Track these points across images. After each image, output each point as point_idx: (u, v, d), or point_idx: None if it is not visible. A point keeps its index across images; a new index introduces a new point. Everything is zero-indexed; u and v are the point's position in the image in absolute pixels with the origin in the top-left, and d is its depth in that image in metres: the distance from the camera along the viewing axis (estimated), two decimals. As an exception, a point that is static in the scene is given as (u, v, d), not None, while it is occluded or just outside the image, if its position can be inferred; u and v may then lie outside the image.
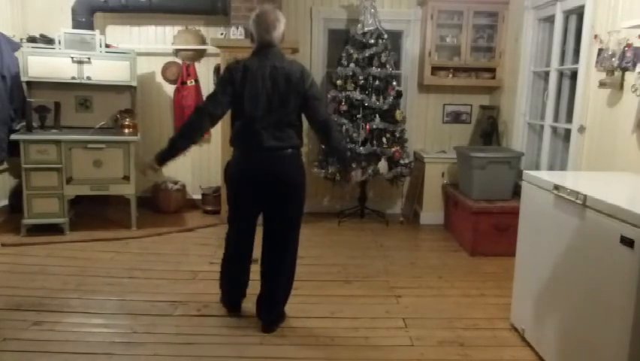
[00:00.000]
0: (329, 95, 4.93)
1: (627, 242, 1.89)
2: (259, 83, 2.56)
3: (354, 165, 2.93)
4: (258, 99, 2.57)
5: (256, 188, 2.67)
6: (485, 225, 4.18)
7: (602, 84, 3.18)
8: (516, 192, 4.08)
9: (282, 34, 2.64)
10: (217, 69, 5.05)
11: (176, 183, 5.30)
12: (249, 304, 3.11)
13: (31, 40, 4.62)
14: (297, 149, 2.73)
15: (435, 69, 5.13)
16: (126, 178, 4.50)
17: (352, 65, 4.79)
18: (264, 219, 2.80)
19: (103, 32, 4.99)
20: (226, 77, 2.62)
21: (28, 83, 4.62)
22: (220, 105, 2.61)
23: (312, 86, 2.64)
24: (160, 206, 5.18)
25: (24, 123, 4.43)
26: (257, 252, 3.00)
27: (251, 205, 2.75)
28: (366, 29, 4.78)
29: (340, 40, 5.17)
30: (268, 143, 2.60)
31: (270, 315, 2.83)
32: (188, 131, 2.68)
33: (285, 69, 2.59)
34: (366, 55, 4.77)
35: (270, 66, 2.58)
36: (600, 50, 3.18)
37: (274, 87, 2.57)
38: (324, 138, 2.81)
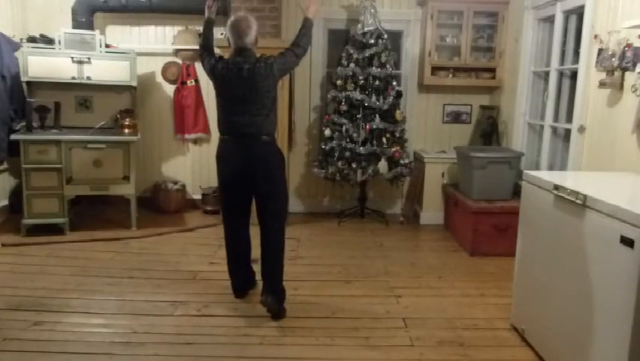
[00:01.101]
0: (329, 95, 4.94)
1: (627, 242, 1.89)
2: (234, 76, 2.87)
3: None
4: (234, 90, 2.88)
5: (237, 171, 2.95)
6: (485, 225, 4.18)
7: (602, 84, 3.18)
8: (516, 192, 4.08)
9: (254, 38, 2.93)
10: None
11: (176, 183, 5.30)
12: (249, 304, 3.12)
13: (31, 40, 4.62)
14: (272, 136, 3.01)
15: (435, 69, 5.13)
16: (126, 178, 4.50)
17: (352, 65, 4.79)
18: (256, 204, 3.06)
19: (103, 32, 4.99)
20: (212, 63, 2.99)
21: (28, 83, 4.63)
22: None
23: (278, 59, 2.93)
24: (160, 206, 5.18)
25: (24, 123, 4.43)
26: (256, 252, 3.01)
27: (236, 191, 3.03)
28: (366, 29, 4.78)
29: (340, 40, 5.17)
30: (247, 130, 2.89)
31: (271, 290, 2.96)
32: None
33: (260, 68, 2.86)
34: (366, 55, 4.77)
35: (247, 68, 2.86)
36: (600, 50, 3.18)
37: (250, 83, 2.85)
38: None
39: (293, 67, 3.15)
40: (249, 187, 2.98)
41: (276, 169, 2.98)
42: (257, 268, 2.99)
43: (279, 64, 2.91)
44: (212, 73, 2.99)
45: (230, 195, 3.07)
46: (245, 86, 2.85)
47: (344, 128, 4.80)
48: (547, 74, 4.31)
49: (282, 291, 3.01)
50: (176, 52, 5.22)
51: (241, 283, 3.22)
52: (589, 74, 3.47)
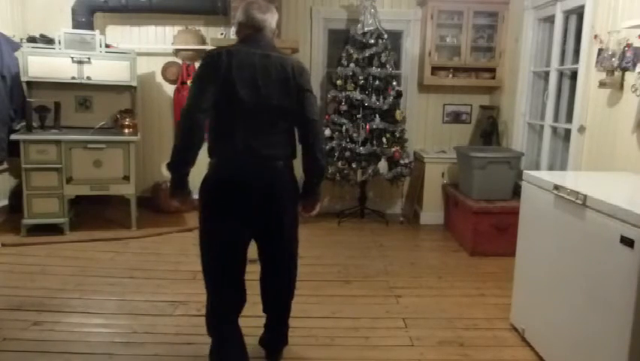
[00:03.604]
0: (329, 95, 4.94)
1: (627, 242, 1.89)
2: (246, 72, 2.11)
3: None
4: (248, 91, 2.11)
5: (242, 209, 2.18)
6: (485, 225, 4.18)
7: (602, 84, 3.18)
8: (516, 192, 4.08)
9: (274, 26, 2.27)
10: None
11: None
12: (249, 304, 3.11)
13: (31, 40, 4.62)
14: (289, 160, 2.29)
15: (435, 69, 5.13)
16: (126, 178, 4.49)
17: (352, 65, 4.79)
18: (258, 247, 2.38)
19: (103, 32, 4.99)
20: (205, 70, 2.13)
21: (28, 83, 4.62)
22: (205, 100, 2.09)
23: (305, 79, 2.22)
24: (160, 206, 5.18)
25: (24, 123, 4.43)
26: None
27: (236, 230, 2.19)
28: (366, 29, 4.78)
29: (340, 40, 5.17)
30: (260, 151, 2.16)
31: (278, 344, 2.54)
32: (184, 139, 2.12)
33: (279, 58, 2.18)
34: (366, 55, 4.77)
35: (260, 54, 2.14)
36: (600, 50, 3.17)
37: (265, 78, 2.13)
38: (307, 144, 2.23)
39: (307, 98, 2.20)
40: (251, 232, 2.27)
41: (291, 204, 2.29)
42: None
43: (308, 79, 2.22)
44: (218, 71, 2.08)
45: (224, 248, 2.20)
46: (277, 85, 2.14)
47: (344, 128, 4.80)
48: (547, 74, 4.31)
49: (287, 331, 2.58)
50: (176, 52, 5.22)
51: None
52: (589, 74, 3.47)
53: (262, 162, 2.17)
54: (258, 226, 2.24)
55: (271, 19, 2.23)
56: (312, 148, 2.22)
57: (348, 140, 4.79)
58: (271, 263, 2.41)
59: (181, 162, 2.12)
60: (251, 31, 2.20)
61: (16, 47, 4.53)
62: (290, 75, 2.15)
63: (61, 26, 4.71)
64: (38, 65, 4.52)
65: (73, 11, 4.79)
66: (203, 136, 2.11)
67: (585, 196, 2.18)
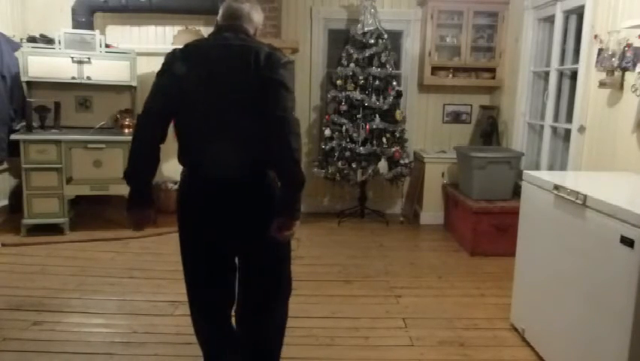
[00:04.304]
0: (329, 95, 4.94)
1: (627, 242, 1.89)
2: (199, 69, 1.81)
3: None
4: (217, 86, 1.80)
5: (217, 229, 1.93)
6: (485, 225, 4.18)
7: (602, 84, 3.18)
8: (516, 192, 4.08)
9: (254, 26, 1.97)
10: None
11: (176, 183, 5.29)
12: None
13: (31, 40, 4.62)
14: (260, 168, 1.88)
15: (435, 69, 5.13)
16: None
17: (352, 65, 4.79)
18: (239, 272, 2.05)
19: (103, 32, 4.99)
20: (160, 71, 1.87)
21: (28, 83, 4.62)
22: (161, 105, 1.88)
23: (273, 67, 1.79)
24: (160, 206, 5.17)
25: (24, 123, 4.44)
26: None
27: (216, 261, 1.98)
28: (366, 29, 4.78)
29: (340, 40, 5.17)
30: (223, 159, 1.82)
31: None
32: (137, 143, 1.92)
33: (242, 47, 1.82)
34: (366, 55, 4.77)
35: (220, 45, 1.85)
36: (600, 50, 3.17)
37: (221, 72, 1.80)
38: (271, 146, 1.77)
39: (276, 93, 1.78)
40: (233, 252, 2.00)
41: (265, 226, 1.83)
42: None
43: (281, 70, 1.80)
44: (173, 67, 1.83)
45: (203, 270, 2.03)
46: (234, 77, 1.79)
47: (344, 128, 4.80)
48: (547, 74, 4.31)
49: None
50: (176, 52, 5.21)
51: None
52: (589, 74, 3.47)
53: (224, 173, 1.84)
54: (232, 252, 1.98)
55: (250, 9, 1.94)
56: (279, 152, 1.75)
57: (348, 140, 4.79)
58: (248, 299, 2.03)
59: (132, 171, 1.90)
60: (223, 22, 1.93)
61: (16, 46, 4.53)
62: (251, 64, 1.77)
63: (61, 26, 4.71)
64: (38, 65, 4.52)
65: (73, 11, 4.79)
66: (155, 143, 1.90)
67: (585, 196, 2.18)
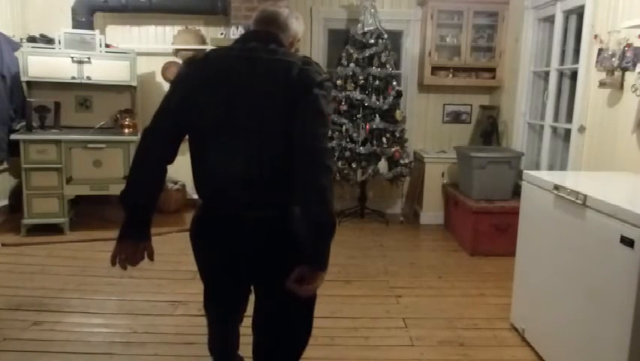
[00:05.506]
0: (329, 95, 4.94)
1: (627, 242, 1.89)
2: (218, 85, 1.54)
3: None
4: (235, 103, 1.54)
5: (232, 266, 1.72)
6: (485, 225, 4.18)
7: (602, 84, 3.18)
8: (516, 192, 4.08)
9: (291, 37, 1.68)
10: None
11: (176, 183, 5.30)
12: (248, 304, 3.11)
13: (31, 40, 4.62)
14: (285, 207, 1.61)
15: (435, 69, 5.13)
16: (126, 178, 4.49)
17: (352, 64, 4.79)
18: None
19: (103, 32, 4.99)
20: (173, 82, 1.66)
21: (28, 83, 4.62)
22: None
23: (308, 86, 1.51)
24: (160, 206, 5.17)
25: (24, 123, 4.43)
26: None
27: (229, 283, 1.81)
28: (366, 29, 4.78)
29: (340, 40, 5.17)
30: (240, 194, 1.59)
31: None
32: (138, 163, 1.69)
33: (272, 61, 1.54)
34: (366, 55, 4.77)
35: (246, 57, 1.55)
36: (600, 50, 3.18)
37: (245, 90, 1.53)
38: (298, 182, 1.52)
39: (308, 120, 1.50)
40: (249, 281, 1.82)
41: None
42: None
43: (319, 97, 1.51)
44: (187, 80, 1.59)
45: (219, 290, 1.88)
46: (259, 100, 1.52)
47: (344, 128, 4.80)
48: (547, 74, 4.31)
49: None
50: (176, 52, 5.21)
51: None
52: (589, 74, 3.47)
53: (239, 211, 1.59)
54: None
55: (289, 16, 1.68)
56: (305, 189, 1.50)
57: (348, 140, 4.79)
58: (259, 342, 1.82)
59: (129, 194, 1.66)
60: (254, 27, 1.66)
61: (16, 46, 4.53)
62: (281, 84, 1.50)
63: (61, 26, 4.71)
64: (38, 65, 4.52)
65: (73, 11, 4.79)
66: (160, 166, 1.69)
67: (585, 196, 2.18)
